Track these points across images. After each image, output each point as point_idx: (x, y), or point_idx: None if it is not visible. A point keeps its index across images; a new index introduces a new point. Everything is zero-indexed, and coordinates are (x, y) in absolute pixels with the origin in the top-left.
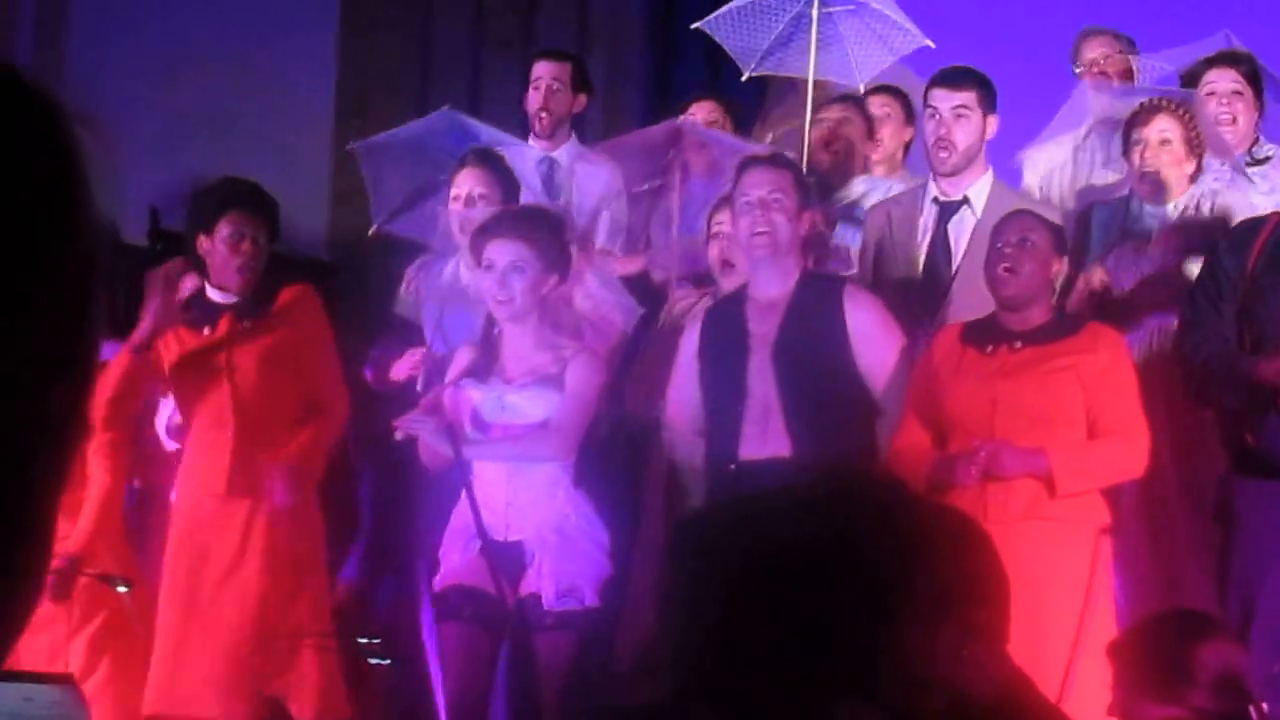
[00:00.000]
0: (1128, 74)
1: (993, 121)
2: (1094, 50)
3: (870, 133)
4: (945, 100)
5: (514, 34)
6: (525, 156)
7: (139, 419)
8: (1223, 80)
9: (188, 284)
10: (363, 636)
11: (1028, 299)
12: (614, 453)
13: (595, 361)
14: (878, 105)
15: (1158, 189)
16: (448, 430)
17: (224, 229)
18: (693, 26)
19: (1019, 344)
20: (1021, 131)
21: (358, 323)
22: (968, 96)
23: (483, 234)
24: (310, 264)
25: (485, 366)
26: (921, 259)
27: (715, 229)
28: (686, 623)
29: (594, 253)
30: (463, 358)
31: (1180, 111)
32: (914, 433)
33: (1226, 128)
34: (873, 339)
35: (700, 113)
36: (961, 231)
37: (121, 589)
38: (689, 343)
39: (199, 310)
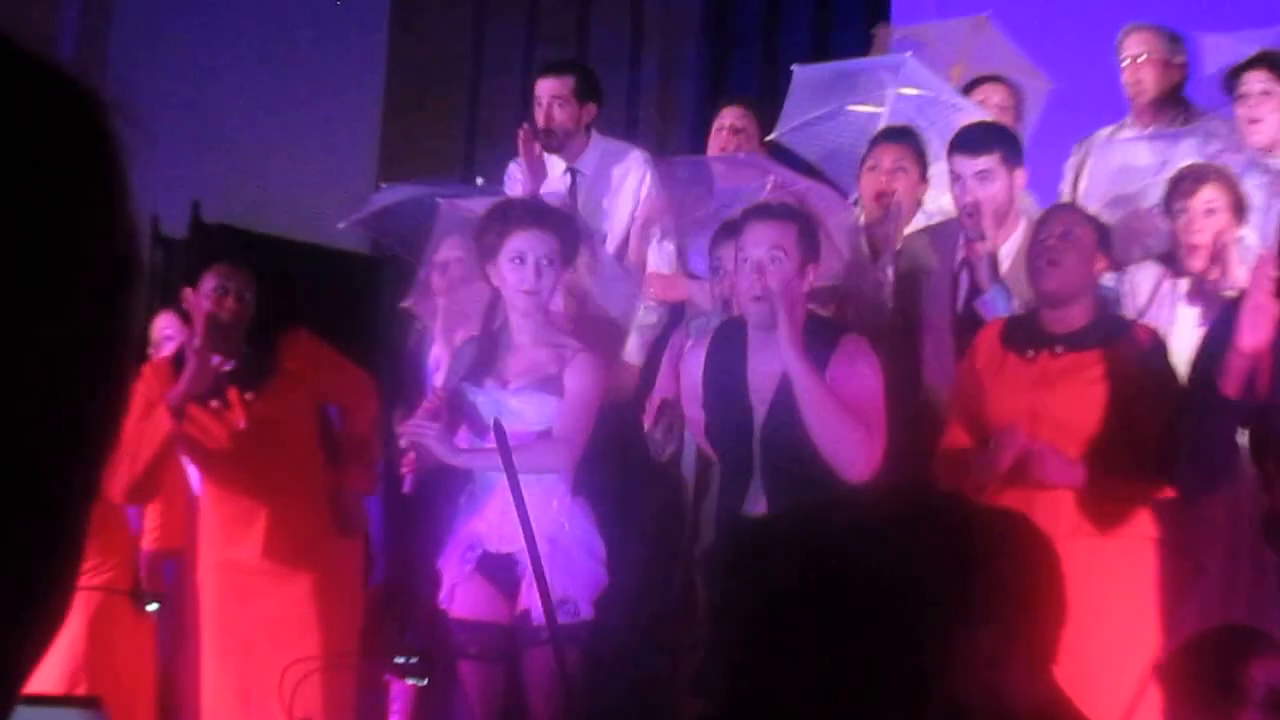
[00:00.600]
0: (1166, 67)
1: (1020, 175)
2: (1136, 46)
3: (924, 175)
4: (967, 166)
5: (568, 29)
6: (552, 170)
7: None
8: (1253, 81)
9: (163, 328)
10: (399, 655)
11: (1069, 295)
12: (618, 460)
13: (596, 362)
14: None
15: (1207, 260)
16: (450, 438)
17: (207, 282)
18: (767, 139)
19: (1060, 349)
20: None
21: (403, 317)
22: (989, 160)
23: (506, 223)
24: (357, 259)
25: (485, 364)
26: (954, 309)
27: (716, 263)
28: (734, 638)
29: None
30: (465, 355)
31: (1224, 177)
32: (958, 436)
33: (1255, 128)
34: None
35: (729, 117)
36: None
37: (152, 607)
38: (691, 381)
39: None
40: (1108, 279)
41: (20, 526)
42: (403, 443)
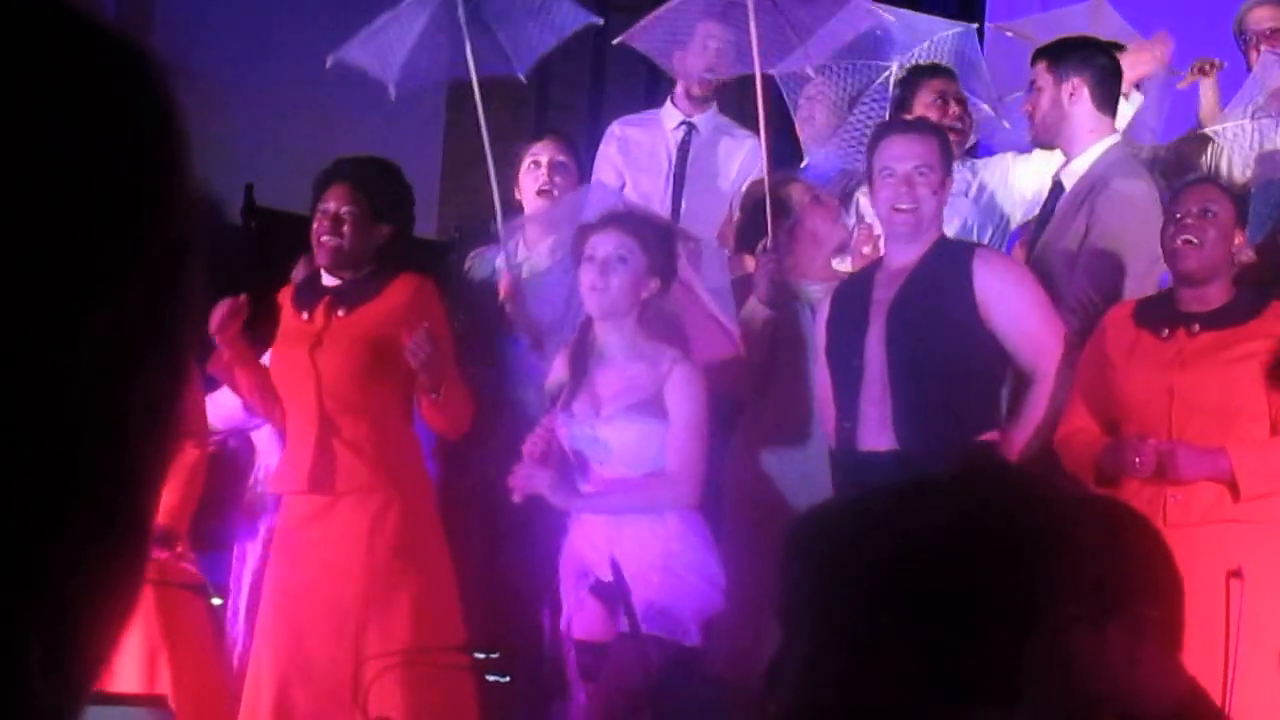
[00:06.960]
0: None
1: (1070, 87)
2: (1261, 22)
3: (964, 109)
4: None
5: (637, 69)
6: (659, 125)
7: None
8: None
9: (299, 271)
10: (480, 651)
11: (1209, 274)
12: None
13: (694, 375)
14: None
15: None
16: (565, 482)
17: (320, 205)
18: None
19: (1197, 327)
20: None
21: (467, 303)
22: (1033, 71)
23: (586, 230)
24: (420, 244)
25: (576, 384)
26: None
27: (863, 212)
28: (808, 632)
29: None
30: (556, 371)
31: None
32: (1082, 419)
33: None
34: (1004, 299)
35: (545, 153)
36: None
37: (216, 601)
38: (821, 313)
39: (307, 292)
40: None
41: (80, 517)
42: (516, 497)
